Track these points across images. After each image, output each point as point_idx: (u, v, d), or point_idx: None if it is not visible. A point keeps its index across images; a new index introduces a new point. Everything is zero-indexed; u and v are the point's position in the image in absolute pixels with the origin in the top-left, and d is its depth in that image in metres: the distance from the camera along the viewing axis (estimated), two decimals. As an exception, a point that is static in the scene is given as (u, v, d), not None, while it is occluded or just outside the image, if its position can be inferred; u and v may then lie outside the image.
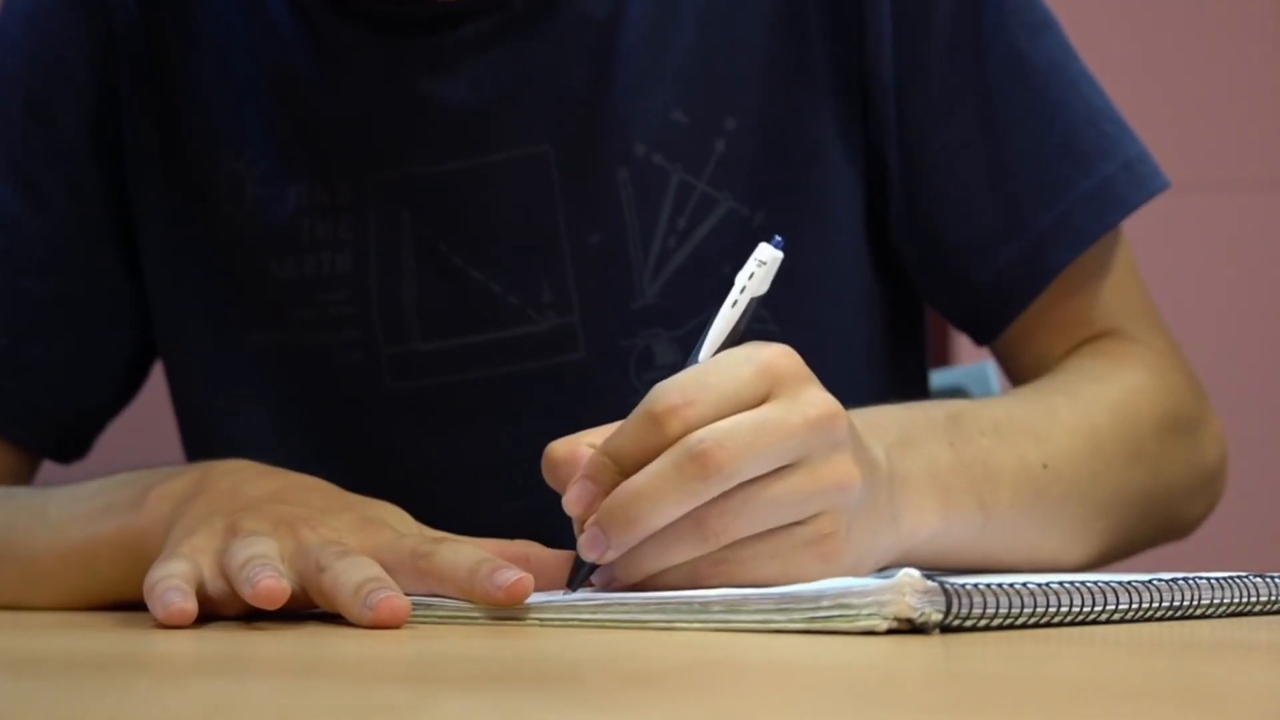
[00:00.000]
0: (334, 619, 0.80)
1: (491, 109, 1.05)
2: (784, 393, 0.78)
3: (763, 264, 0.82)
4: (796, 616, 0.73)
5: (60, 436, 1.13)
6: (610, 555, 0.78)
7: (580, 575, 0.81)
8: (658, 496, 0.77)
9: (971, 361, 1.40)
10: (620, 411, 1.06)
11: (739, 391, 0.78)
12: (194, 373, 1.11)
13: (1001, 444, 0.94)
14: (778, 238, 0.83)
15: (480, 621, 0.78)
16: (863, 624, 0.71)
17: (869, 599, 0.71)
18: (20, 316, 1.10)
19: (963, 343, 1.74)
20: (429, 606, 0.81)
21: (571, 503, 0.79)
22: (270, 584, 0.79)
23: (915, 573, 0.71)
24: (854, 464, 0.79)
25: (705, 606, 0.75)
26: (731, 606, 0.74)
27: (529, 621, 0.78)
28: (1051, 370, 1.06)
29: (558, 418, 1.05)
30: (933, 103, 1.06)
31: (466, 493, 1.06)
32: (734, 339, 0.82)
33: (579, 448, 0.81)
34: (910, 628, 0.71)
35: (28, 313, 1.10)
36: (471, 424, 1.06)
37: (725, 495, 0.77)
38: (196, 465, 0.94)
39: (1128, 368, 1.05)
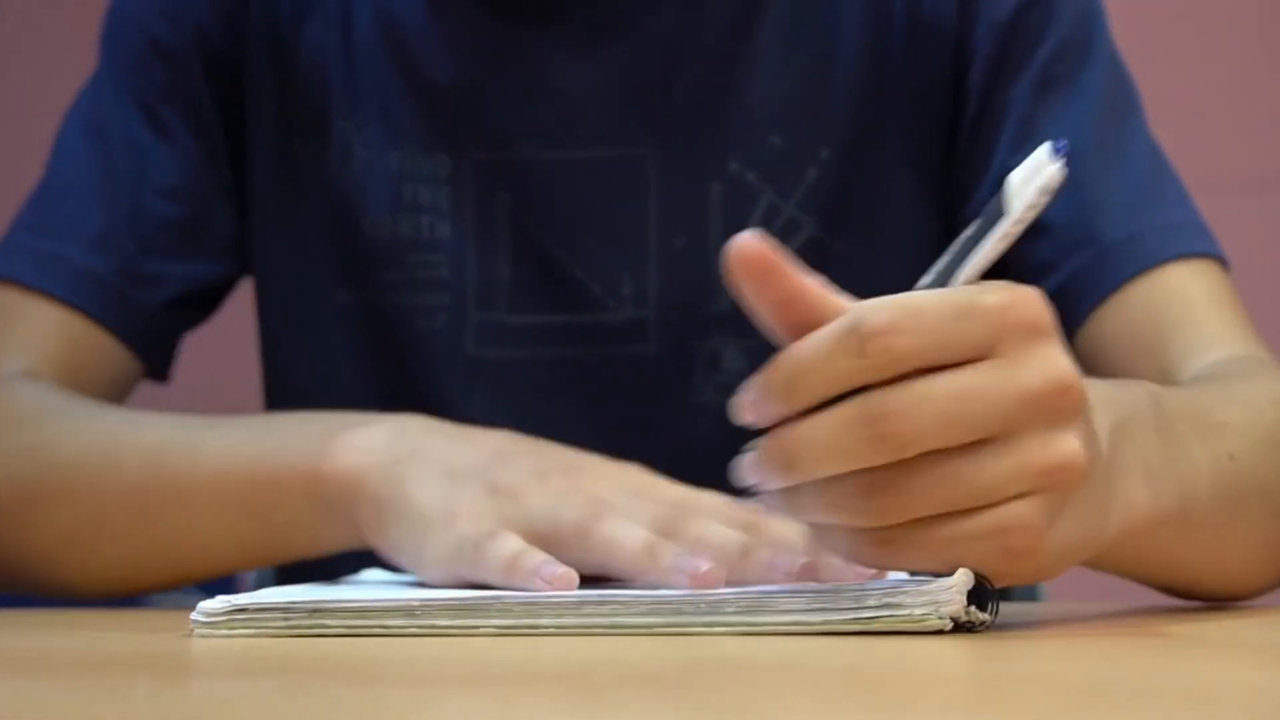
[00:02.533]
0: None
1: (599, 104, 1.10)
2: (1009, 350, 0.66)
3: (1047, 193, 0.68)
4: (835, 618, 0.67)
5: (160, 354, 1.15)
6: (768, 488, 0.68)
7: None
8: (820, 449, 0.66)
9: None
10: (681, 411, 1.10)
11: (955, 337, 0.66)
12: (278, 315, 1.17)
13: (1194, 432, 0.81)
14: (1062, 141, 0.68)
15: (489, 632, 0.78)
16: (916, 625, 0.66)
17: (924, 597, 0.66)
18: (147, 230, 1.14)
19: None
20: (486, 610, 0.73)
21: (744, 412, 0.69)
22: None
23: (971, 573, 0.66)
24: (1080, 447, 0.67)
25: (715, 606, 0.69)
26: (749, 606, 0.69)
27: (521, 631, 0.77)
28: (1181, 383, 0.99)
29: (619, 406, 1.11)
30: (1047, 116, 1.08)
31: None
32: (985, 270, 0.70)
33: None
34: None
35: (153, 228, 1.14)
36: (536, 399, 1.10)
37: (906, 465, 0.66)
38: (379, 419, 0.92)
39: (1263, 371, 0.99)
